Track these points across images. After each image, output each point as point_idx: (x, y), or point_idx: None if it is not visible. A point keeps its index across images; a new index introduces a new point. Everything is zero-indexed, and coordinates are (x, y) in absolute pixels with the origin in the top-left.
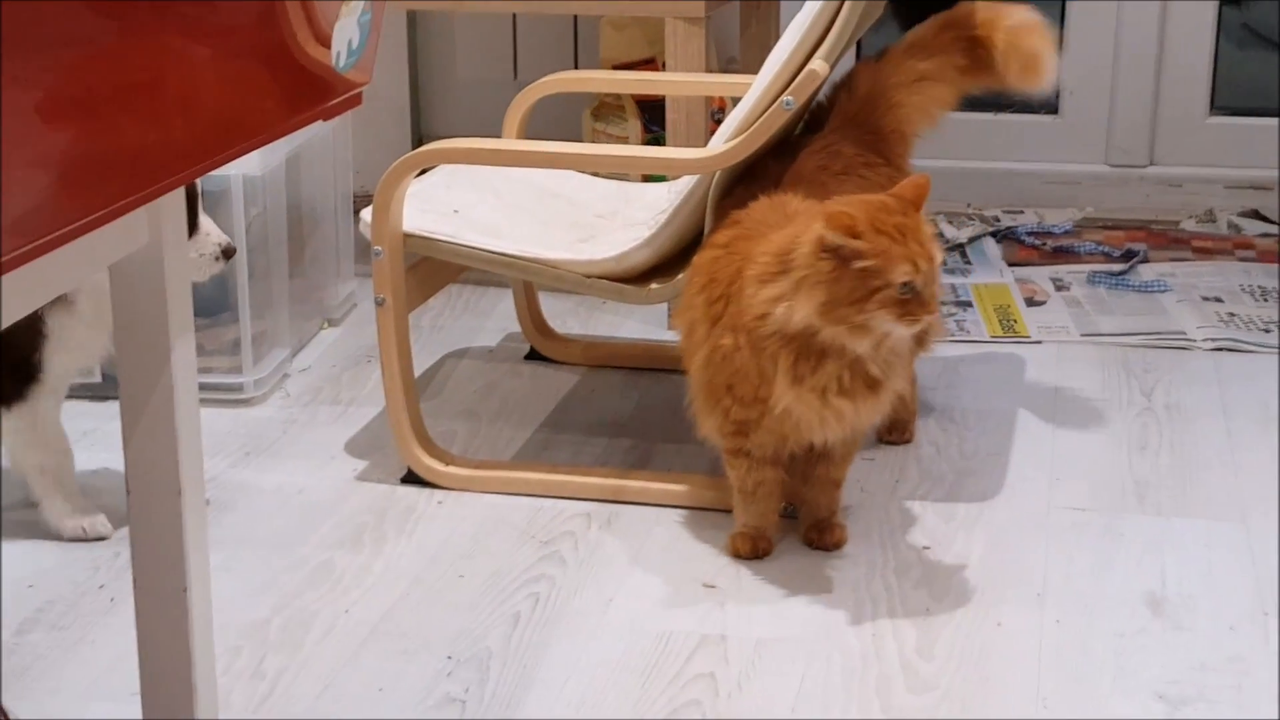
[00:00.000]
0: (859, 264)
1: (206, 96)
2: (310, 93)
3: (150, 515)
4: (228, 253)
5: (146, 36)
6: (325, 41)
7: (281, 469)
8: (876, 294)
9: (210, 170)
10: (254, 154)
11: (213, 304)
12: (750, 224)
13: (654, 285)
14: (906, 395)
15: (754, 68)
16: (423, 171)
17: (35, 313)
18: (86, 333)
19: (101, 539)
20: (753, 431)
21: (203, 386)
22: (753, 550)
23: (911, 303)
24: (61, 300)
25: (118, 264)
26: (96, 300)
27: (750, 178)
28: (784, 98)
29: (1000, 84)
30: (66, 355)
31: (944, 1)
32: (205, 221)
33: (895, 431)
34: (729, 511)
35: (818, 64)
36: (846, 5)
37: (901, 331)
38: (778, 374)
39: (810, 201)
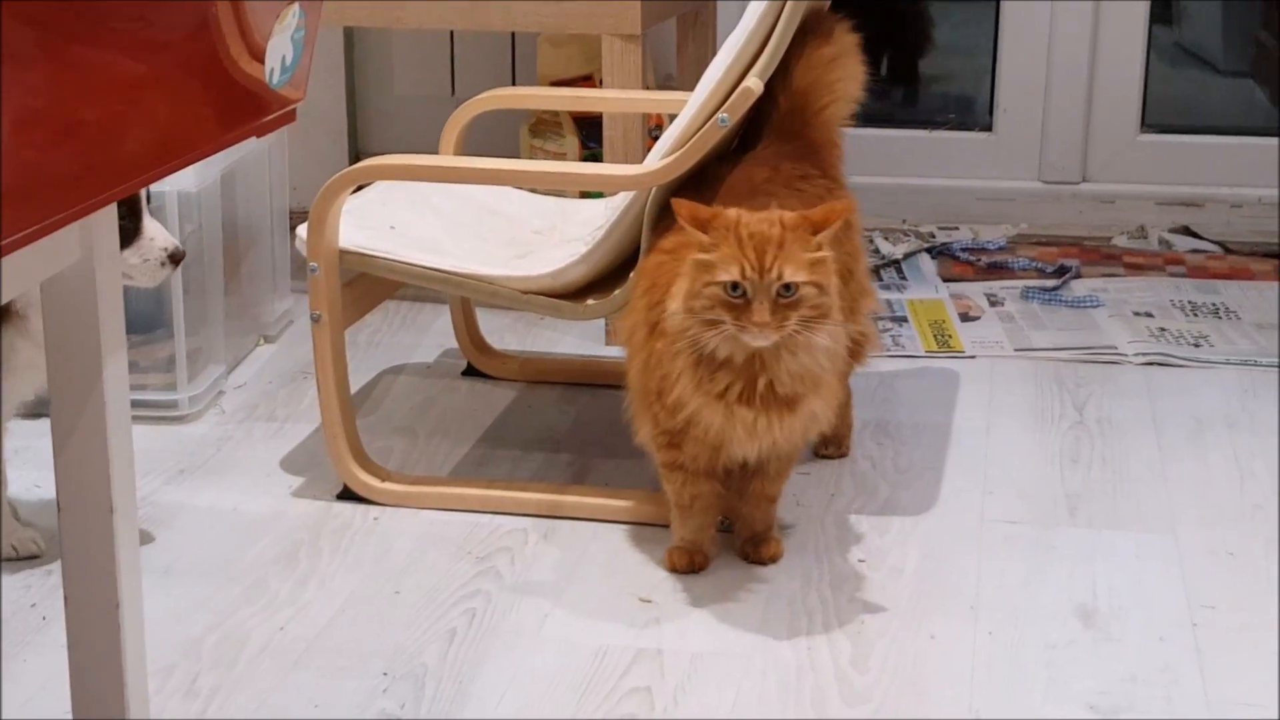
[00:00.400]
0: (700, 256)
1: (139, 112)
2: (244, 109)
3: (82, 533)
4: (175, 257)
5: (77, 51)
6: (259, 57)
7: (216, 486)
8: (707, 288)
9: (143, 186)
10: (189, 170)
11: (147, 320)
12: None
13: (590, 301)
14: (842, 409)
15: (690, 85)
16: (359, 188)
17: None
18: (37, 354)
19: (33, 558)
20: (684, 444)
21: (137, 403)
22: (689, 565)
23: (739, 308)
24: (13, 318)
25: (49, 280)
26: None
27: (697, 188)
28: (719, 115)
29: None
30: (16, 377)
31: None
32: (150, 225)
33: (831, 445)
34: (666, 526)
35: (752, 82)
36: (780, 25)
37: (729, 332)
38: (680, 378)
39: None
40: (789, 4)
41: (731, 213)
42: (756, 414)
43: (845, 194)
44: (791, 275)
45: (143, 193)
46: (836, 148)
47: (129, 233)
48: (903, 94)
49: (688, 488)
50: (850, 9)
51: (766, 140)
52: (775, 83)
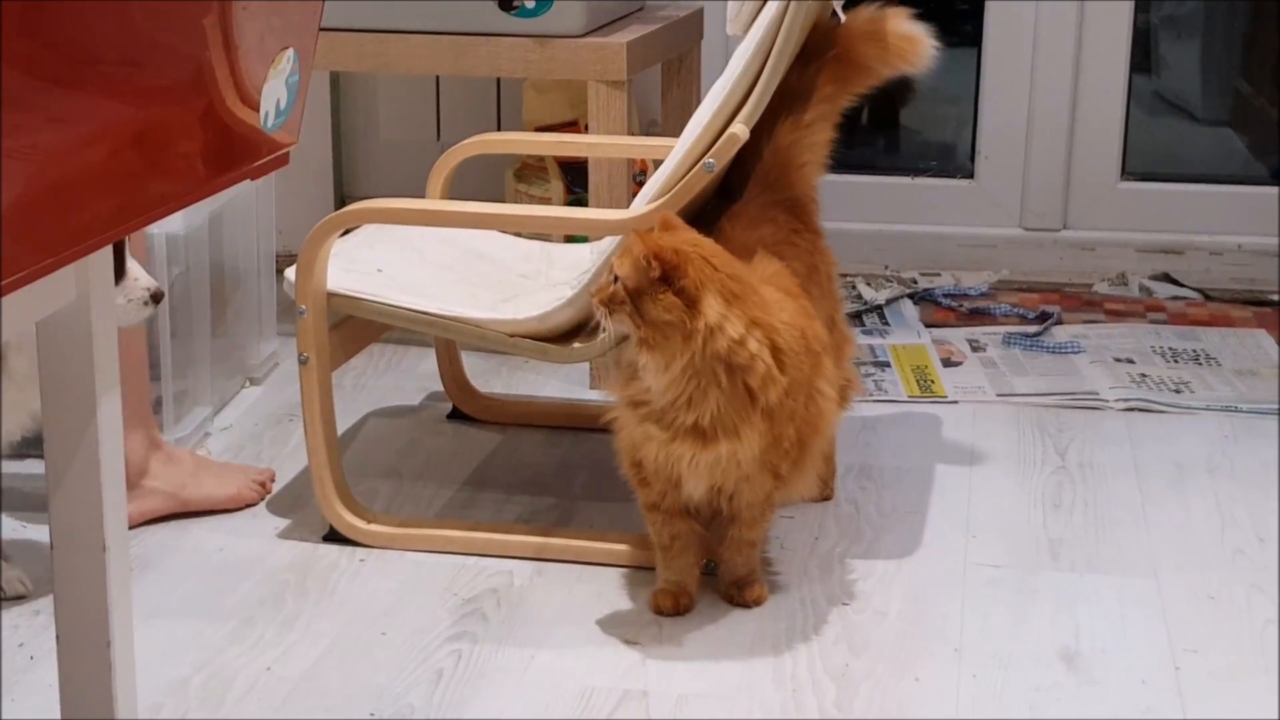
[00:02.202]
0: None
1: (135, 156)
2: (239, 152)
3: (75, 571)
4: (156, 297)
5: (72, 96)
6: (251, 103)
7: (203, 527)
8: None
9: (137, 229)
10: (177, 213)
11: None
12: None
13: (577, 344)
14: (827, 454)
15: (675, 130)
16: (346, 231)
17: None
18: (19, 395)
19: (19, 598)
20: (651, 481)
21: None
22: (674, 607)
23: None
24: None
25: (44, 320)
26: (30, 359)
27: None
28: (705, 160)
29: (873, 80)
30: (8, 422)
31: None
32: (133, 266)
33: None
34: (651, 569)
35: (738, 128)
36: (765, 73)
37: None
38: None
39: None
40: (774, 52)
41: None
42: (687, 445)
43: (824, 248)
44: (618, 266)
45: (124, 240)
46: (815, 202)
47: (116, 273)
48: (884, 141)
49: (666, 527)
50: None
51: (754, 189)
52: (760, 134)
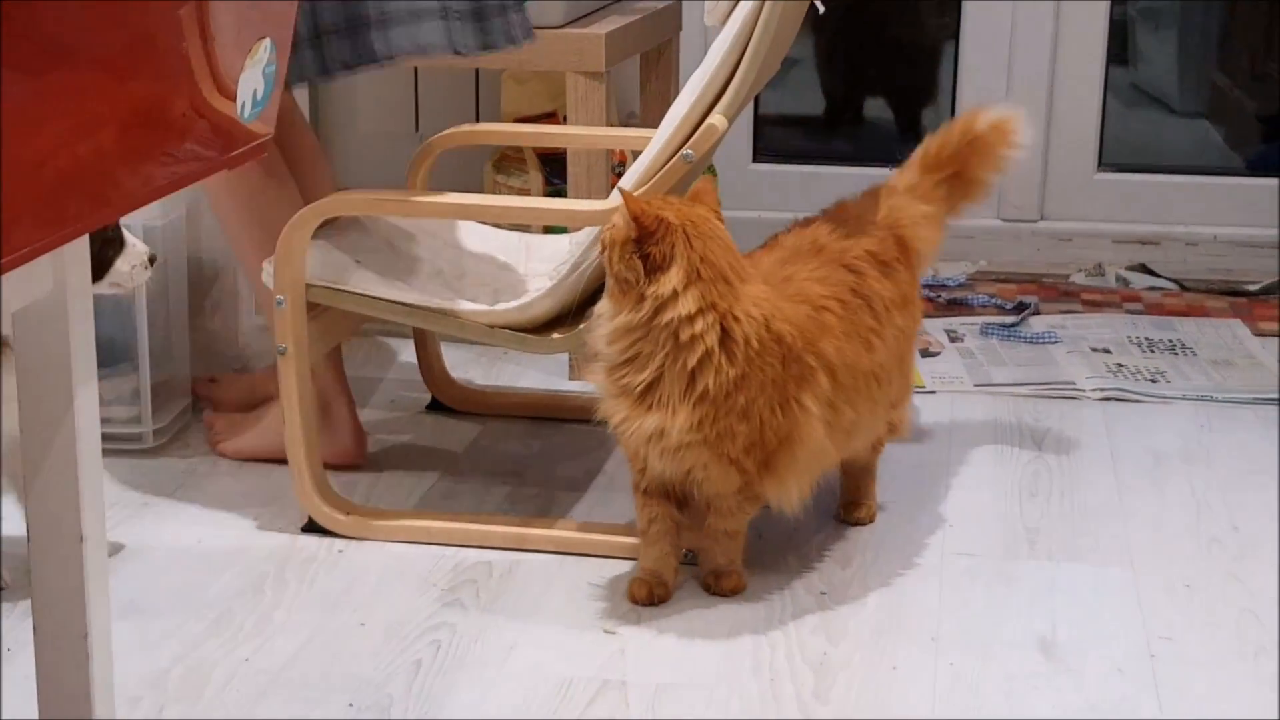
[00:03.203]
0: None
1: (112, 146)
2: (216, 142)
3: (52, 562)
4: (153, 259)
5: (47, 87)
6: (228, 94)
7: (181, 518)
8: None
9: (114, 219)
10: (155, 204)
11: (112, 353)
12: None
13: (556, 335)
14: (858, 476)
15: (654, 121)
16: (325, 223)
17: None
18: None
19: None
20: (631, 457)
21: (102, 436)
22: (649, 596)
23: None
24: (6, 352)
25: (21, 311)
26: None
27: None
28: (684, 151)
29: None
30: (7, 411)
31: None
32: (127, 234)
33: (852, 510)
34: (629, 559)
35: (717, 119)
36: (744, 62)
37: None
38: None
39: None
40: (752, 44)
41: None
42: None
43: (917, 298)
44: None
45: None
46: (919, 261)
47: (117, 243)
48: (861, 132)
49: (645, 510)
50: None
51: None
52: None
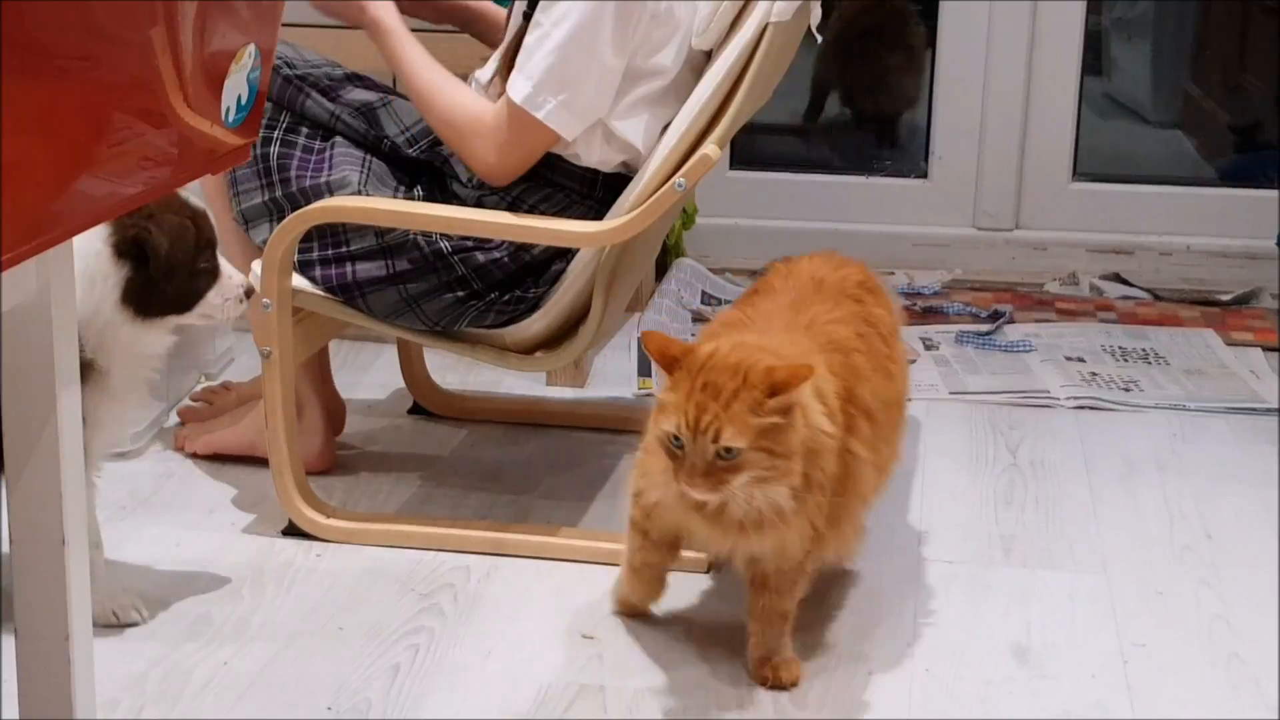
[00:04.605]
0: (661, 394)
1: (96, 151)
2: (200, 147)
3: (34, 564)
4: (249, 293)
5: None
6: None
7: (160, 522)
8: (659, 429)
9: (97, 224)
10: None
11: None
12: (759, 311)
13: (539, 354)
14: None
15: None
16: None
17: None
18: (120, 408)
19: (134, 625)
20: (652, 513)
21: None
22: (629, 614)
23: (679, 459)
24: (94, 375)
25: (5, 314)
26: (129, 371)
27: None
28: (676, 179)
29: None
30: (105, 434)
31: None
32: (224, 265)
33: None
34: (607, 565)
35: (710, 149)
36: (741, 93)
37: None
38: (653, 461)
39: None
40: (749, 74)
41: (703, 352)
42: (711, 526)
43: (899, 347)
44: (730, 439)
45: (216, 240)
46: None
47: (211, 274)
48: (839, 141)
49: (641, 553)
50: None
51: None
52: None
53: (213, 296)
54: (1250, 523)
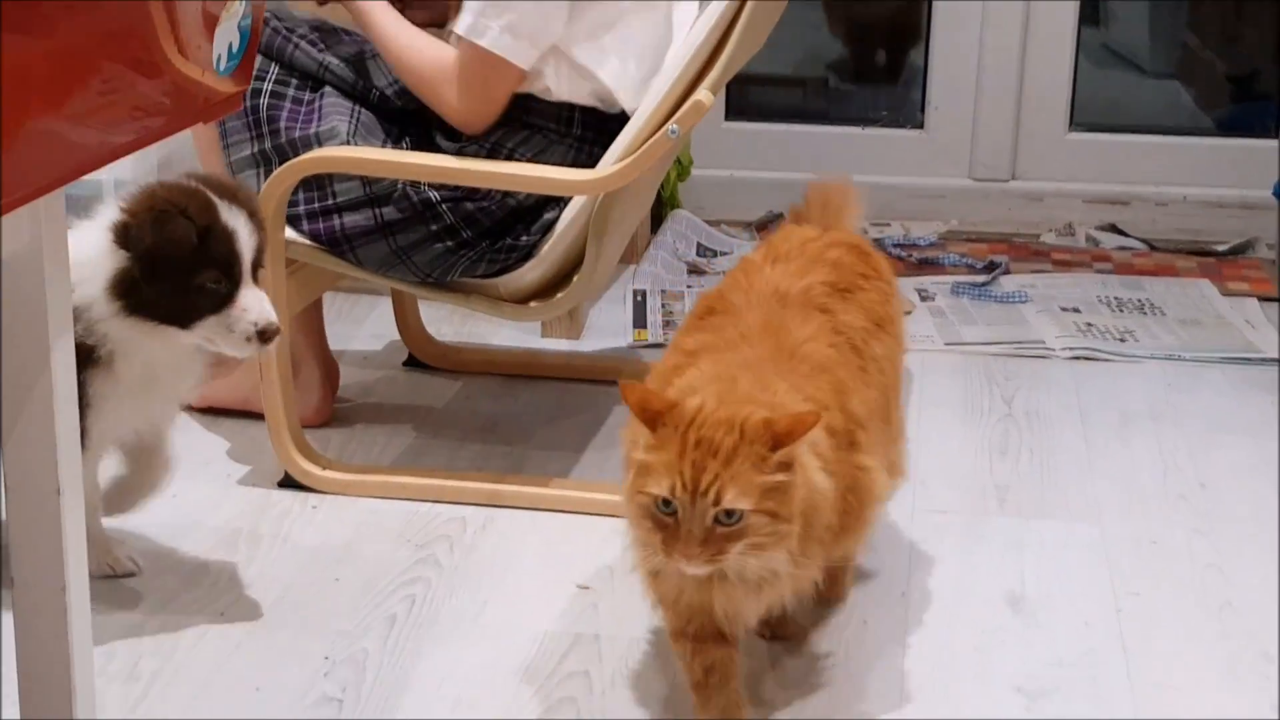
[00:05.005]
0: (641, 455)
1: (87, 100)
2: (191, 95)
3: (29, 515)
4: (265, 334)
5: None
6: (202, 48)
7: None
8: (640, 495)
9: (86, 174)
10: (125, 159)
11: None
12: (724, 339)
13: (533, 304)
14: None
15: None
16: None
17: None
18: (131, 401)
19: (130, 575)
20: (680, 599)
21: None
22: None
23: (670, 529)
24: (103, 365)
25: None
26: (134, 368)
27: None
28: (669, 126)
29: None
30: (105, 422)
31: None
32: (248, 296)
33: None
34: (603, 515)
35: (704, 95)
36: (733, 39)
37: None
38: (638, 543)
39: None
40: (742, 20)
41: (691, 406)
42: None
43: (896, 307)
44: (733, 501)
45: (247, 257)
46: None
47: (220, 298)
48: (835, 91)
49: (699, 659)
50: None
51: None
52: None
53: (215, 322)
54: (1244, 473)
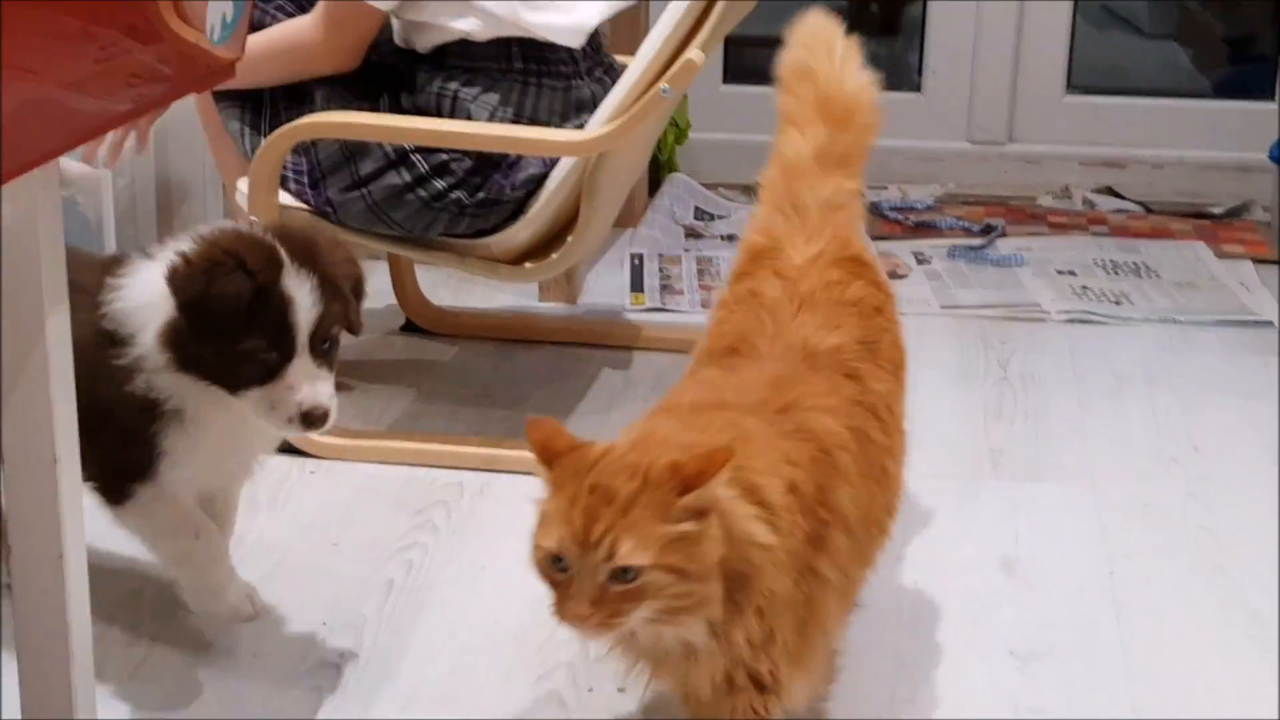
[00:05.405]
0: (542, 501)
1: (79, 69)
2: (186, 65)
3: (26, 484)
4: (309, 419)
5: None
6: (195, 17)
7: None
8: (536, 548)
9: (81, 143)
10: (126, 152)
11: None
12: (730, 385)
13: (528, 265)
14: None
15: (621, 52)
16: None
17: (147, 423)
18: (210, 455)
19: (250, 619)
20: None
21: None
22: None
23: (560, 584)
24: (173, 420)
25: None
26: (202, 418)
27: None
28: (660, 85)
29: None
30: (175, 469)
31: None
32: (299, 370)
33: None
34: None
35: (694, 53)
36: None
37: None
38: None
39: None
40: None
41: (595, 450)
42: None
43: (893, 315)
44: (629, 556)
45: (305, 327)
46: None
47: (268, 369)
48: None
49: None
50: None
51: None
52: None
53: (260, 395)
54: (1238, 435)
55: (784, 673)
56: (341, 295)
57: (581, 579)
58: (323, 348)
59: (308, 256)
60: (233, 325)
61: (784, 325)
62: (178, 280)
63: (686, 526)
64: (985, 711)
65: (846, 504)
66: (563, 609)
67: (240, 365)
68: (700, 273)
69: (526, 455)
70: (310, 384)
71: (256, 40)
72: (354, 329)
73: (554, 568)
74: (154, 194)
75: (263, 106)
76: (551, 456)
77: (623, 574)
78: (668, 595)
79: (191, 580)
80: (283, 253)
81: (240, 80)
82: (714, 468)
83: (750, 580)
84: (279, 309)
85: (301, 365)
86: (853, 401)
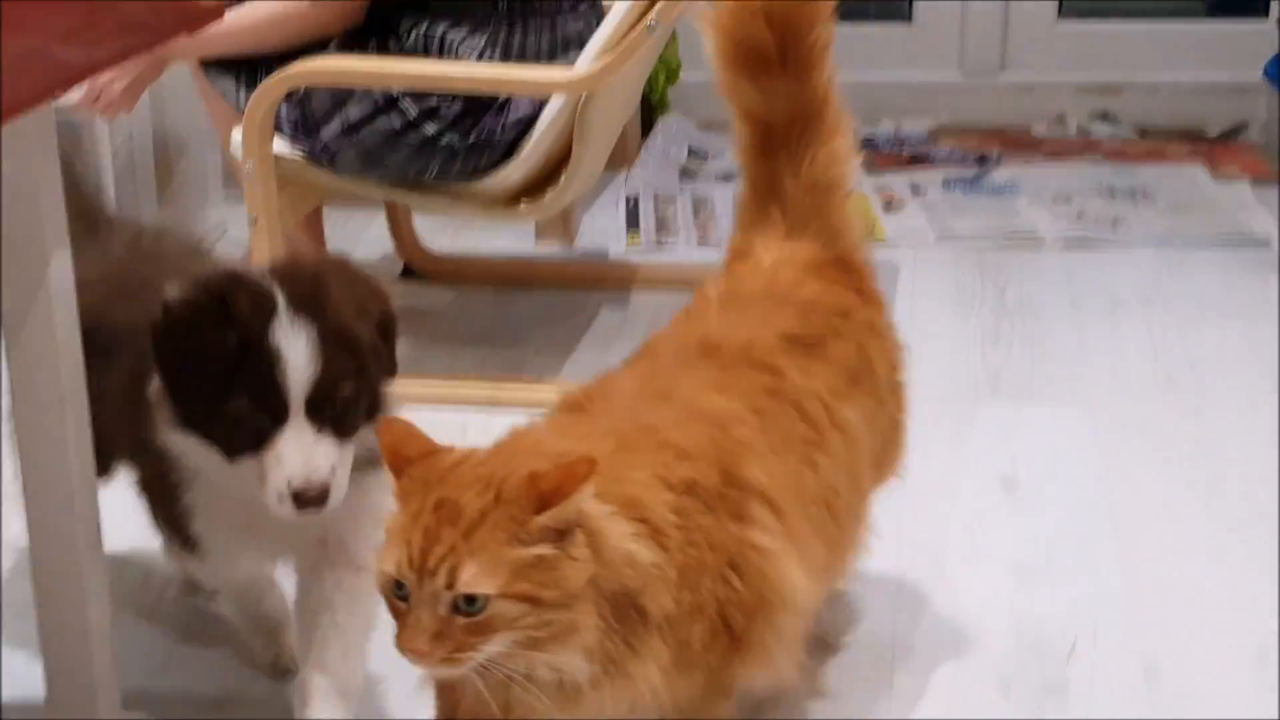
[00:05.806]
0: (391, 515)
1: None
2: (169, 9)
3: (34, 423)
4: (301, 499)
5: None
6: None
7: None
8: (379, 572)
9: (71, 87)
10: (125, 115)
11: None
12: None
13: (523, 205)
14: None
15: None
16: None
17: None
18: (240, 523)
19: (288, 673)
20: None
21: None
22: None
23: (402, 614)
24: (189, 489)
25: None
26: (238, 497)
27: None
28: (648, 21)
29: None
30: (216, 564)
31: None
32: (289, 444)
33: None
34: None
35: None
36: None
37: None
38: None
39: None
40: None
41: (446, 460)
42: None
43: (884, 328)
44: (471, 583)
45: (297, 389)
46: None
47: (252, 432)
48: None
49: None
50: None
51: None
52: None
53: (249, 464)
54: (1234, 355)
55: (731, 672)
56: (356, 347)
57: (420, 609)
58: (326, 410)
59: (312, 301)
60: (211, 384)
61: (688, 323)
62: (154, 332)
63: (542, 549)
64: (986, 625)
65: (759, 475)
66: (400, 641)
67: (229, 429)
68: (696, 212)
69: (529, 393)
70: (302, 455)
71: (258, 10)
72: (380, 378)
73: (395, 594)
74: (152, 148)
75: (254, 60)
76: (401, 464)
77: (467, 603)
78: (522, 626)
79: (250, 631)
80: (279, 298)
81: (247, 48)
82: (575, 481)
83: (638, 601)
84: (265, 366)
85: (295, 432)
86: (759, 388)
